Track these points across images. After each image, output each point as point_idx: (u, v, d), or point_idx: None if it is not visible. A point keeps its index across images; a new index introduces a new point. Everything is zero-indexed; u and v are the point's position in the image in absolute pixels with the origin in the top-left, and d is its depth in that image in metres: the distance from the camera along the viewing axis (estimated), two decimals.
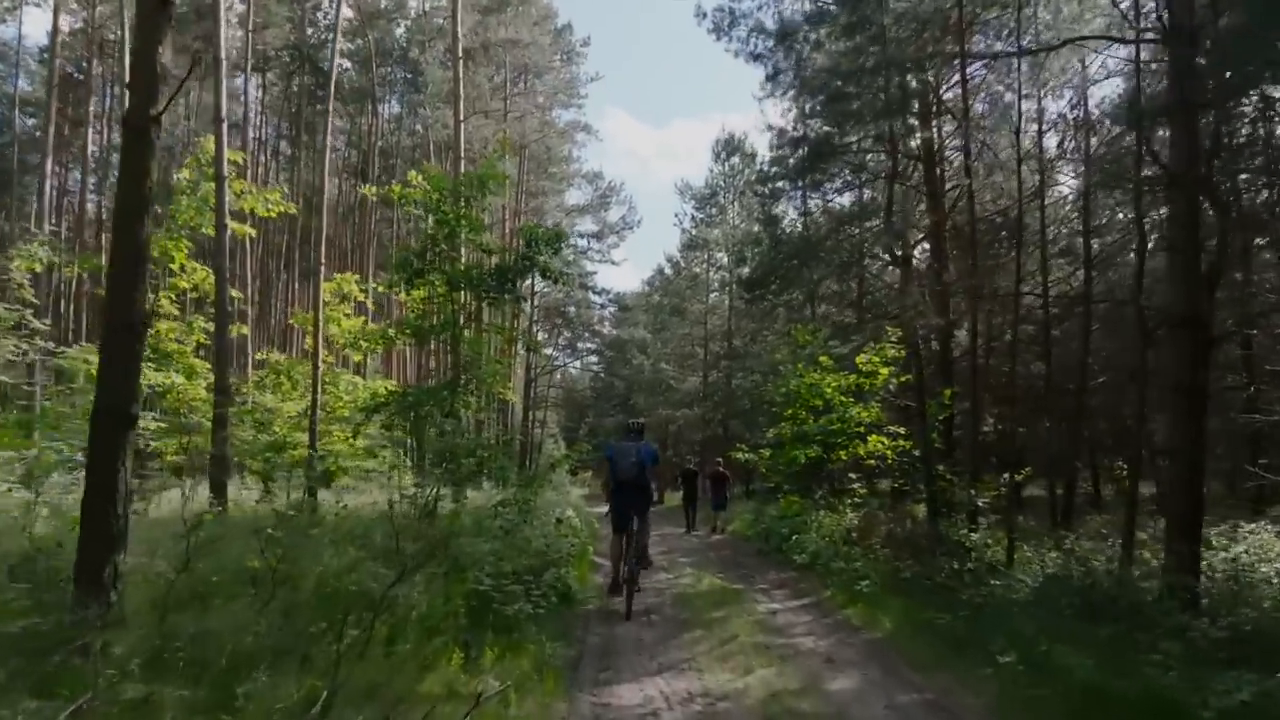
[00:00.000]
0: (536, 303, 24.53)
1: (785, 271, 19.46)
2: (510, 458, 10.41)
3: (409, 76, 27.68)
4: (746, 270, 20.28)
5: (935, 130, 13.09)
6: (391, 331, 11.07)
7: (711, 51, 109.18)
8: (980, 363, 14.92)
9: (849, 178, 20.43)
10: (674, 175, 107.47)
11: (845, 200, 21.88)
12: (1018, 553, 9.28)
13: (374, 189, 13.36)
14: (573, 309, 26.93)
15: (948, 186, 13.36)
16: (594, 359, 31.81)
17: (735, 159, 31.07)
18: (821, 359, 13.15)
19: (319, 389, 11.07)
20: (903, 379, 11.96)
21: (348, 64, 29.04)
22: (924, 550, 8.93)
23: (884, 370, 11.79)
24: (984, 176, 14.19)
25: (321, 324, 11.21)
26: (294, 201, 13.78)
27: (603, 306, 27.52)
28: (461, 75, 16.05)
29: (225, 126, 10.50)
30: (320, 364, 11.13)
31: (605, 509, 8.13)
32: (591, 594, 8.32)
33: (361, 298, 12.49)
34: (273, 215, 12.04)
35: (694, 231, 31.51)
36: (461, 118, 15.42)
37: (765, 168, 17.32)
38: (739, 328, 25.53)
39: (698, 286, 32.11)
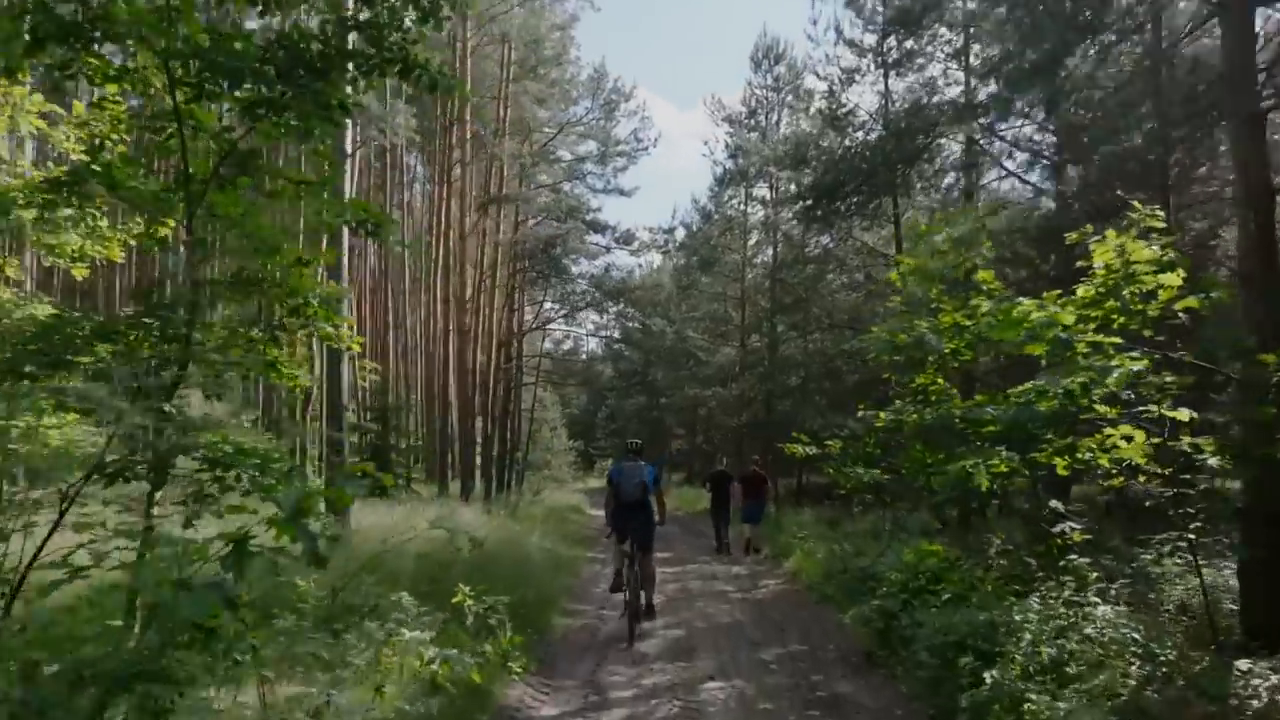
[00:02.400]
0: (513, 233, 18.11)
1: (870, 171, 12.98)
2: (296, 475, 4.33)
3: None
4: (806, 181, 13.90)
5: None
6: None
7: (742, 30, 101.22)
8: None
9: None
10: (700, 157, 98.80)
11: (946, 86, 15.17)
12: None
13: None
14: (564, 253, 20.11)
15: None
16: (598, 322, 24.95)
17: (780, 68, 24.39)
18: (983, 277, 6.64)
19: None
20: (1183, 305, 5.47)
21: None
22: None
23: (1164, 280, 5.26)
24: None
25: None
26: None
27: (607, 249, 20.80)
28: None
29: None
30: None
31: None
32: None
33: (70, 147, 6.27)
34: None
35: (728, 163, 24.89)
36: None
37: None
38: (791, 267, 18.83)
39: (733, 232, 25.52)
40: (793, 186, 14.98)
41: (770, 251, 24.27)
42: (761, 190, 24.68)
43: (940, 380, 7.20)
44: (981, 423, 5.97)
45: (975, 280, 6.82)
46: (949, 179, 14.33)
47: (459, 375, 15.62)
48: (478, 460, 17.22)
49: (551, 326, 25.77)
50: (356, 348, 5.59)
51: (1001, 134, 13.42)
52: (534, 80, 18.64)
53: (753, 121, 24.67)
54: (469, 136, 16.95)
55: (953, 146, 15.18)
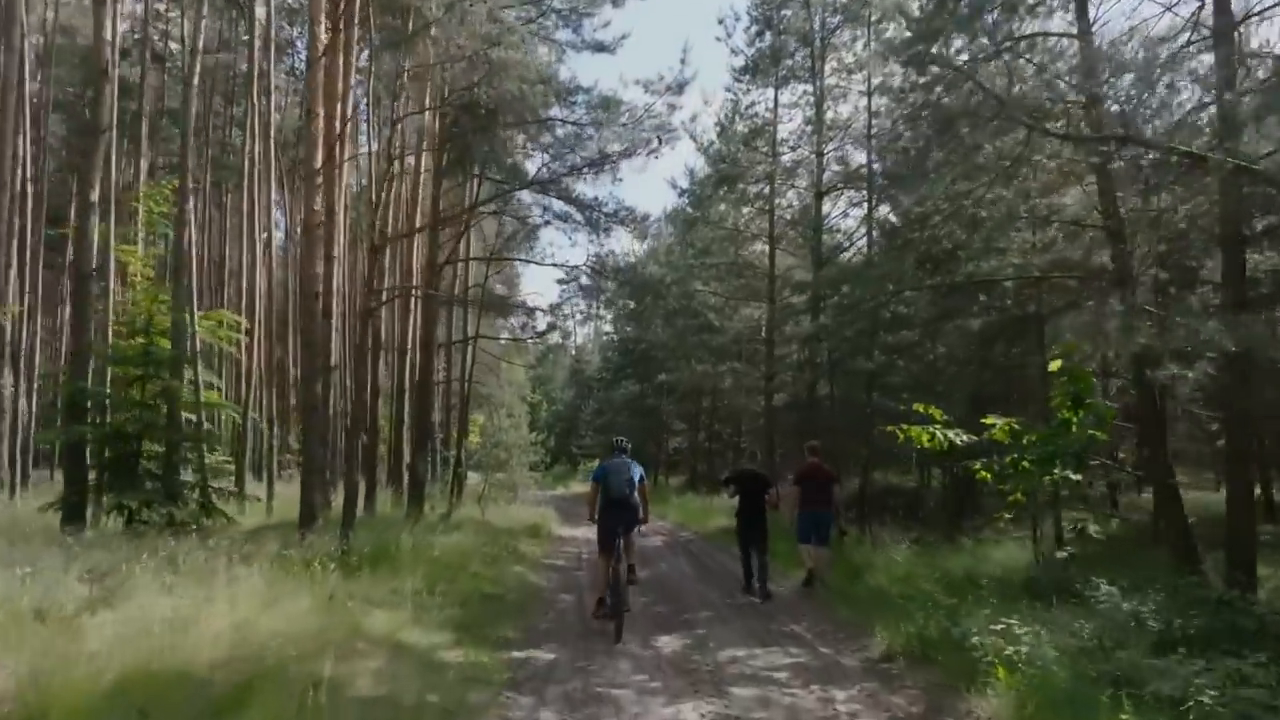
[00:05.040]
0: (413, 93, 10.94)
1: None
2: None
3: None
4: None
5: None
6: None
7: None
8: None
9: None
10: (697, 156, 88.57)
11: None
12: None
13: None
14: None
15: None
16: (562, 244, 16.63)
17: None
18: None
19: None
20: None
21: None
22: None
23: None
24: None
25: None
26: None
27: (576, 126, 13.00)
28: None
29: None
30: None
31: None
32: None
33: None
34: None
35: (750, 50, 17.92)
36: None
37: None
38: (894, 133, 11.50)
39: (759, 150, 18.51)
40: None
41: (815, 168, 17.40)
42: (801, 87, 17.80)
43: None
44: None
45: None
46: None
47: (303, 304, 8.73)
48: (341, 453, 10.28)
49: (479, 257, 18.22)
50: None
51: None
52: None
53: None
54: None
55: None
